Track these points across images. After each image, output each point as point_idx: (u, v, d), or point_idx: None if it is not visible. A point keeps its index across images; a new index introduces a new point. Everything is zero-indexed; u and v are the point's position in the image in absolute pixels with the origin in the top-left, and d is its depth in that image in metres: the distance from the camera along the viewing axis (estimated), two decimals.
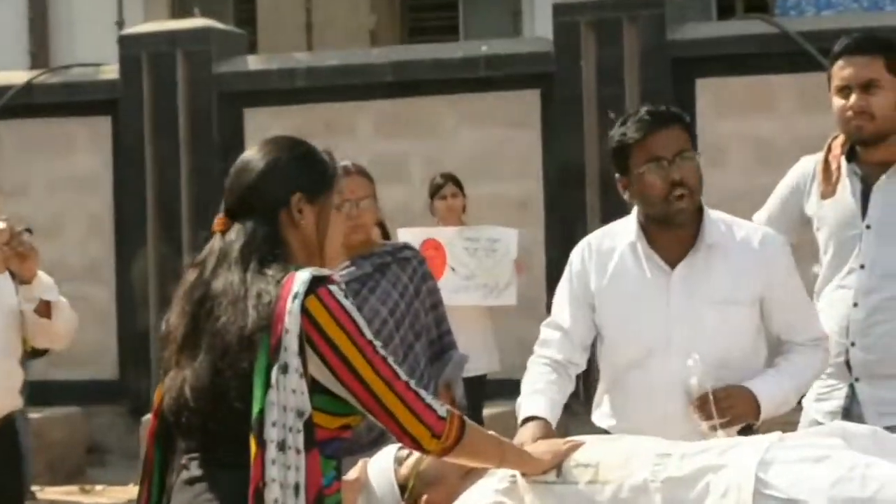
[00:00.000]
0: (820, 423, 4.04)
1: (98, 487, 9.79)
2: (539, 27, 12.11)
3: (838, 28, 7.90)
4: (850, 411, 4.21)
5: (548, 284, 9.23)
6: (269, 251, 2.96)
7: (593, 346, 3.99)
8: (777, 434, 3.32)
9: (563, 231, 9.31)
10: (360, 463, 3.46)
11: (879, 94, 4.15)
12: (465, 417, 3.04)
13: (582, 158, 9.39)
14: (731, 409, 3.70)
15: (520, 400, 3.84)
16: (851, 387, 4.22)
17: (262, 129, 9.94)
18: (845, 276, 4.23)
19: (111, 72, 10.64)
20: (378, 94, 10.00)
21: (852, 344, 4.18)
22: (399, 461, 3.39)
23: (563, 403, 3.86)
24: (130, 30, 11.05)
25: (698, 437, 3.56)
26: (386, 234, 5.41)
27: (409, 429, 2.95)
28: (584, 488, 3.21)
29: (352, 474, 3.40)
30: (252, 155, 3.06)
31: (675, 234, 3.83)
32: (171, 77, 10.24)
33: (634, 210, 3.91)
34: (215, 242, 3.03)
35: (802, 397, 4.22)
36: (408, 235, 7.98)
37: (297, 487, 2.80)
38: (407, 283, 4.88)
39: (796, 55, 8.89)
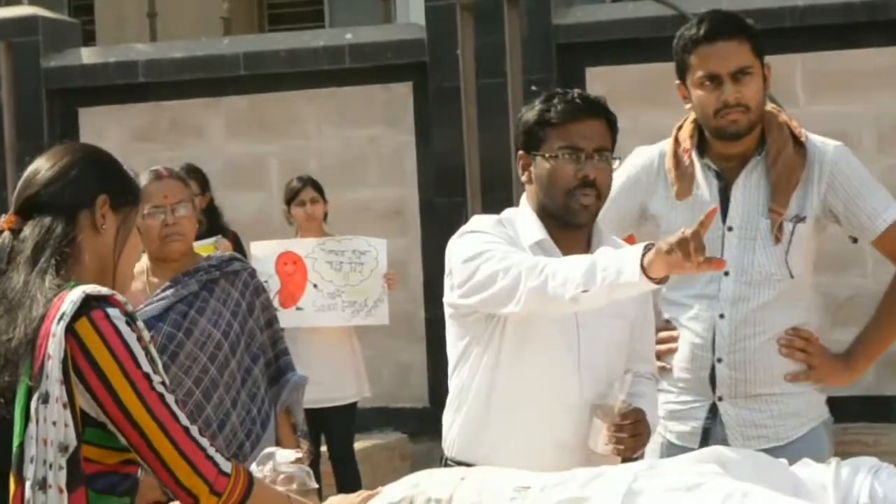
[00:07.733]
0: (674, 445, 4.05)
1: None
2: (413, 13, 12.00)
3: (743, 10, 7.53)
4: (711, 432, 4.13)
5: (425, 300, 9.27)
6: (60, 253, 2.89)
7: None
8: (647, 461, 3.31)
9: (440, 241, 8.78)
10: None
11: (751, 82, 4.00)
12: (252, 474, 2.99)
13: (461, 159, 9.33)
14: (640, 436, 3.64)
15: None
16: (713, 406, 4.13)
17: (99, 131, 9.99)
18: (707, 285, 4.10)
19: None
20: (230, 90, 9.86)
21: (718, 360, 4.08)
22: None
23: None
24: None
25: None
26: (239, 247, 5.47)
27: (185, 482, 2.84)
28: None
29: None
30: (52, 154, 3.01)
31: (572, 234, 3.71)
32: None
33: (523, 204, 3.77)
34: (5, 240, 2.95)
35: None
36: (262, 249, 7.75)
37: None
38: (238, 298, 4.74)
39: None
